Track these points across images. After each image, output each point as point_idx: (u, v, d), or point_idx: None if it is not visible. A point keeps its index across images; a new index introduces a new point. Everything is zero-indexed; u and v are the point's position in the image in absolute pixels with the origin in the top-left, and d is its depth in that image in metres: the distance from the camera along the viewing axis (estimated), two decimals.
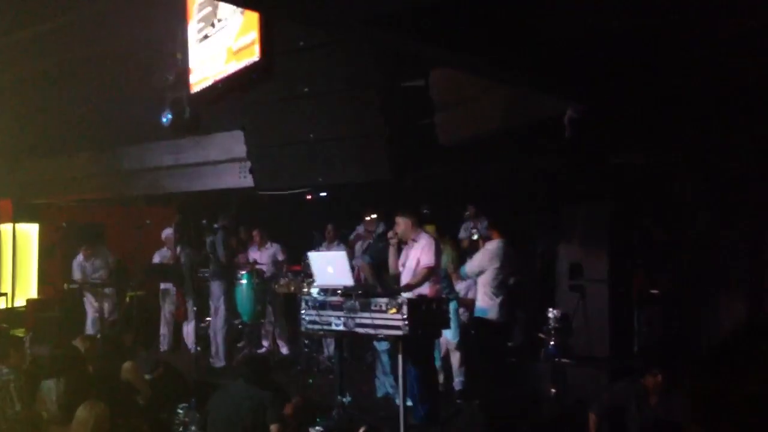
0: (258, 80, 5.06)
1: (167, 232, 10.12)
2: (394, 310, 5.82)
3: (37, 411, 4.86)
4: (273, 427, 4.80)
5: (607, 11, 3.99)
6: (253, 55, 4.64)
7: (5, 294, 11.39)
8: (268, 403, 5.00)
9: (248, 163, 8.06)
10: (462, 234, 8.23)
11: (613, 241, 6.48)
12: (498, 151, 6.77)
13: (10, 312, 11.14)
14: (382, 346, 7.07)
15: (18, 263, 11.92)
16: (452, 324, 7.15)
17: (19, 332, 9.89)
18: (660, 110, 5.32)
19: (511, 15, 3.94)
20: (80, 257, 10.07)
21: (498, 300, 6.77)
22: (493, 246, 6.87)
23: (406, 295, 6.29)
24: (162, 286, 10.11)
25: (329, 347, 8.77)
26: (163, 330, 10.09)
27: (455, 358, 7.32)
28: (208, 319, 10.17)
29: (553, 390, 6.14)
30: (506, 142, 6.55)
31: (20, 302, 11.62)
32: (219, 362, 8.64)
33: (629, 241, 6.55)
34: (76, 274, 10.02)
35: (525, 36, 4.36)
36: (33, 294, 11.77)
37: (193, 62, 5.70)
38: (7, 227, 11.93)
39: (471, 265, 6.92)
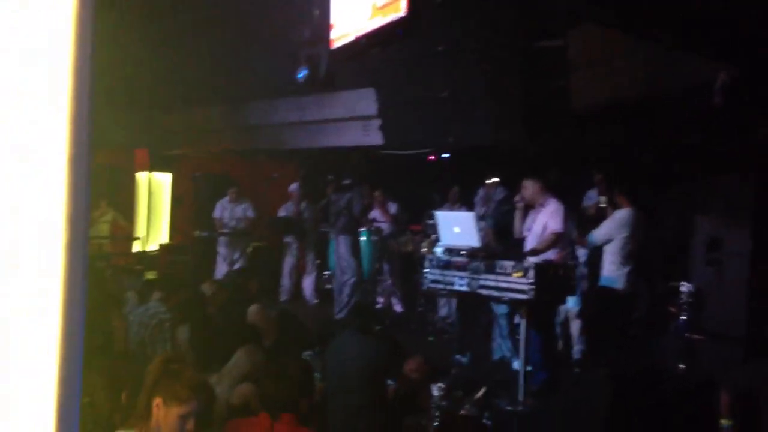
0: (403, 37, 5.04)
1: (294, 187, 10.41)
2: (519, 274, 5.78)
3: (180, 352, 5.14)
4: (392, 385, 4.76)
5: None
6: (399, 11, 4.63)
7: (140, 238, 12.09)
8: (386, 356, 4.93)
9: (373, 122, 8.11)
10: (586, 201, 8.03)
11: (757, 214, 6.13)
12: (637, 120, 6.51)
13: (144, 255, 11.83)
14: (500, 309, 7.05)
15: (152, 210, 12.61)
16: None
17: (151, 275, 10.51)
18: None
19: None
20: (226, 199, 10.52)
21: (625, 270, 6.59)
22: (622, 214, 6.68)
23: (532, 259, 6.24)
24: (286, 239, 10.44)
25: (444, 308, 8.84)
26: (284, 281, 10.45)
27: (575, 326, 7.21)
28: (326, 272, 10.46)
29: (681, 366, 5.95)
30: (646, 109, 6.29)
31: (153, 247, 12.31)
32: (342, 314, 8.78)
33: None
34: (217, 213, 10.47)
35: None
36: (164, 240, 12.44)
37: (334, 17, 5.74)
38: (143, 175, 12.61)
39: (599, 233, 6.76)
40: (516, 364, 6.89)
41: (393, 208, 9.95)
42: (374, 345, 4.92)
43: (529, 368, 6.03)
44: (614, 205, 6.73)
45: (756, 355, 5.43)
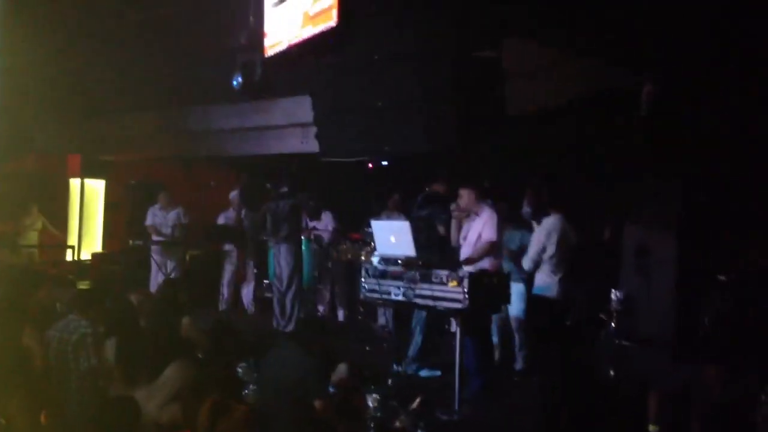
0: (334, 46, 5.04)
1: (234, 194, 10.26)
2: (454, 283, 5.81)
3: (108, 366, 4.97)
4: (317, 403, 4.67)
5: None
6: (330, 20, 4.62)
7: (72, 247, 11.75)
8: (312, 373, 4.85)
9: (310, 129, 8.07)
10: (525, 208, 8.12)
11: (683, 222, 6.30)
12: (567, 125, 6.63)
13: (77, 264, 11.51)
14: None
15: (85, 218, 12.27)
16: (520, 303, 7.13)
17: (84, 284, 10.22)
18: (742, 90, 5.13)
19: None
20: (157, 206, 10.29)
21: (557, 277, 6.68)
22: (549, 220, 6.75)
23: (467, 268, 6.28)
24: (225, 247, 10.28)
25: (383, 316, 8.84)
26: (223, 290, 10.29)
27: (519, 337, 7.28)
28: (266, 281, 10.35)
29: (612, 372, 6.05)
30: (576, 115, 6.41)
31: (85, 255, 11.98)
32: (290, 326, 8.66)
33: (701, 223, 6.35)
34: (149, 221, 10.24)
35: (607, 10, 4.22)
36: (98, 248, 12.12)
37: (268, 25, 5.70)
38: (76, 182, 12.27)
39: (531, 251, 6.78)
40: (423, 372, 6.98)
41: (326, 217, 9.90)
42: (306, 361, 4.86)
43: None
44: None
45: (683, 360, 5.57)
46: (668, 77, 5.26)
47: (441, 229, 7.09)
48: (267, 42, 5.69)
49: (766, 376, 4.38)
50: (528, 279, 7.03)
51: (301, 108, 8.65)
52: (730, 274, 6.66)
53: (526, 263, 6.77)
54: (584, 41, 4.67)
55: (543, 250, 6.69)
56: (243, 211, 10.12)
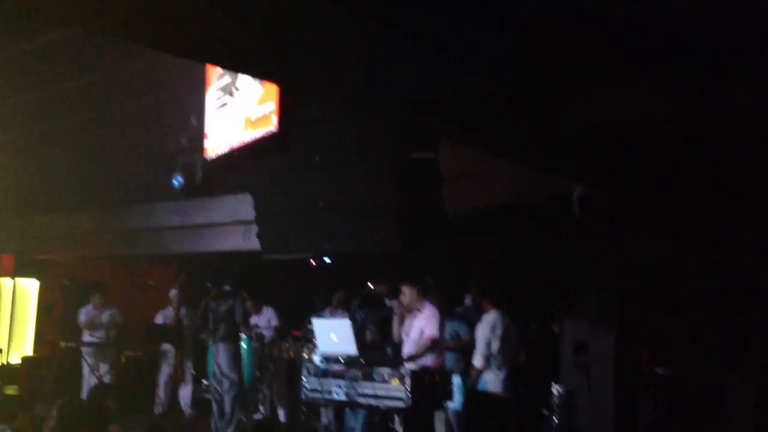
0: (273, 150, 5.15)
1: (174, 292, 10.05)
2: (396, 381, 5.78)
3: None
4: None
5: (625, 109, 4.09)
6: (271, 125, 4.73)
7: (0, 350, 11.26)
8: None
9: (252, 226, 8.08)
10: (467, 303, 8.19)
11: (620, 320, 6.47)
12: (505, 227, 6.82)
13: (4, 369, 10.98)
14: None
15: (16, 319, 11.81)
16: (459, 396, 7.07)
17: (11, 389, 9.73)
18: (670, 200, 5.39)
19: (527, 110, 4.03)
20: (90, 306, 9.95)
21: (502, 374, 6.69)
22: (488, 317, 6.80)
23: (409, 366, 6.26)
24: (163, 347, 9.99)
25: (326, 416, 8.63)
26: (160, 392, 9.92)
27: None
28: (205, 382, 10.04)
29: None
30: (514, 218, 6.60)
31: (14, 359, 11.47)
32: (230, 429, 8.35)
33: (636, 321, 6.53)
34: (83, 318, 9.88)
35: (543, 127, 4.44)
36: (28, 351, 11.62)
37: (209, 128, 5.81)
38: (8, 282, 11.87)
39: (479, 347, 6.77)
40: None
41: (268, 313, 9.78)
42: None
43: None
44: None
45: None
46: (600, 182, 5.50)
47: (368, 335, 7.09)
48: (208, 144, 5.78)
49: None
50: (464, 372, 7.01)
51: (243, 206, 8.68)
52: (668, 369, 6.82)
53: (477, 361, 6.69)
54: (516, 148, 4.88)
55: (489, 344, 6.71)
56: (183, 310, 9.91)
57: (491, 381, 6.72)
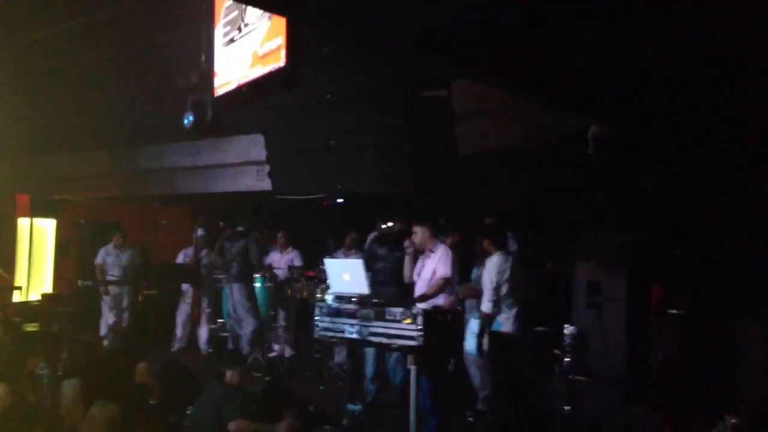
0: (282, 86, 5.06)
1: (200, 232, 10.09)
2: (408, 321, 5.79)
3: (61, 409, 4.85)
4: (232, 425, 4.74)
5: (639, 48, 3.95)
6: (279, 61, 4.63)
7: (20, 288, 11.44)
8: (226, 399, 4.97)
9: (265, 167, 8.05)
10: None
11: (632, 260, 6.41)
12: (518, 167, 6.73)
13: (24, 306, 11.19)
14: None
15: (34, 258, 11.97)
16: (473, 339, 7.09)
17: (32, 326, 9.93)
18: (685, 138, 5.27)
19: (540, 44, 3.90)
20: (110, 246, 10.06)
21: (512, 312, 6.68)
22: (493, 259, 6.74)
23: (421, 305, 6.27)
24: (183, 286, 10.10)
25: (339, 354, 8.76)
26: (178, 331, 10.08)
27: (478, 376, 7.22)
28: (220, 320, 10.19)
29: (567, 407, 6.08)
30: (527, 156, 6.51)
31: (34, 296, 11.67)
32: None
33: (649, 261, 6.48)
34: (99, 260, 10.00)
35: (555, 64, 4.32)
36: (48, 289, 11.81)
37: (218, 65, 5.71)
38: (25, 222, 11.99)
39: (486, 293, 6.73)
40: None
41: (292, 253, 9.86)
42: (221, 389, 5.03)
43: None
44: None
45: (635, 396, 5.62)
46: (615, 119, 5.38)
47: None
48: (217, 81, 5.69)
49: (714, 415, 4.44)
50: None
51: (256, 146, 8.64)
52: (680, 309, 6.80)
53: (486, 306, 6.66)
54: (531, 85, 4.76)
55: (497, 288, 6.68)
56: (204, 251, 9.99)
57: (503, 321, 6.72)
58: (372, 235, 9.07)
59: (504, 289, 6.62)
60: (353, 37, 4.32)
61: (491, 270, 6.63)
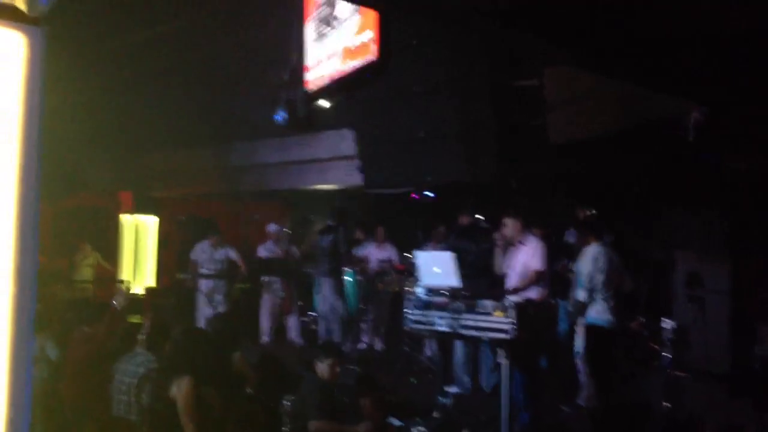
0: (372, 79, 5.10)
1: (273, 227, 10.34)
2: (500, 313, 5.74)
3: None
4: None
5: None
6: (370, 54, 4.67)
7: (124, 281, 11.99)
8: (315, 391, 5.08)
9: (354, 161, 8.14)
10: (568, 237, 8.02)
11: (735, 250, 6.13)
12: (611, 153, 6.55)
13: (131, 299, 11.71)
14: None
15: (138, 253, 12.55)
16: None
17: (135, 319, 10.38)
18: None
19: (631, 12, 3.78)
20: (206, 243, 10.39)
21: (608, 305, 6.53)
22: (591, 250, 6.61)
23: (513, 298, 6.20)
24: (267, 279, 10.33)
25: (429, 347, 8.76)
26: (267, 323, 10.31)
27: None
28: (311, 313, 10.39)
29: (666, 403, 5.88)
30: (620, 142, 6.33)
31: (138, 290, 12.21)
32: None
33: (755, 249, 6.17)
34: (194, 255, 10.31)
35: (648, 34, 4.18)
36: (150, 283, 12.34)
37: (309, 61, 5.80)
38: (129, 218, 12.56)
39: (580, 281, 6.61)
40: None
41: (389, 248, 9.94)
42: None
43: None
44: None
45: (739, 393, 5.38)
46: (715, 104, 5.16)
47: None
48: (309, 77, 5.79)
49: None
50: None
51: (345, 141, 8.75)
52: None
53: (581, 294, 6.58)
54: (625, 68, 4.63)
55: (592, 278, 6.55)
56: (288, 243, 10.21)
57: (598, 313, 6.58)
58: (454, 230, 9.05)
59: (599, 280, 6.48)
60: (445, 18, 4.30)
61: (587, 259, 6.51)
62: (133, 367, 5.03)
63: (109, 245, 12.13)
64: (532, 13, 3.61)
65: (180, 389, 4.51)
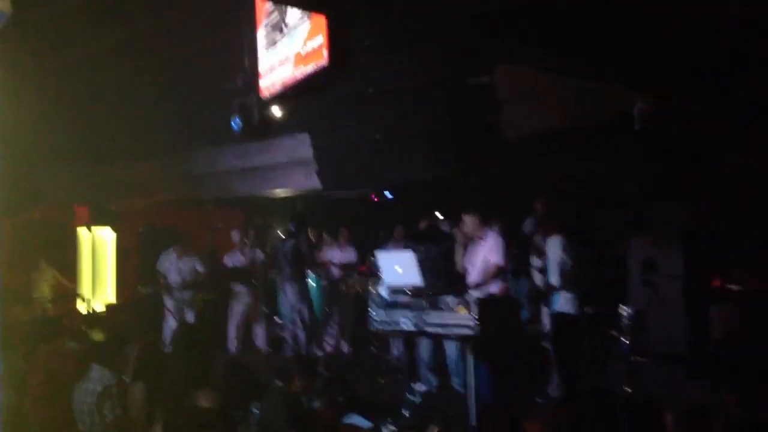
0: (326, 85, 5.14)
1: (237, 234, 10.30)
2: (463, 310, 5.81)
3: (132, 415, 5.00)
4: None
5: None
6: (321, 59, 4.70)
7: (84, 297, 11.80)
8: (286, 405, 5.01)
9: (312, 165, 8.16)
10: (525, 228, 8.16)
11: (688, 236, 6.32)
12: (565, 148, 6.69)
13: (90, 316, 11.53)
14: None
15: (96, 268, 12.36)
16: None
17: (98, 335, 10.23)
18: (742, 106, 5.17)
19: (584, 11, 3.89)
20: (171, 253, 10.30)
21: (570, 294, 6.68)
22: (557, 239, 6.77)
23: (474, 293, 6.29)
24: (235, 288, 10.28)
25: (396, 347, 8.83)
26: (234, 332, 10.25)
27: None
28: (278, 320, 10.38)
29: (627, 388, 6.01)
30: (573, 138, 6.46)
31: (98, 306, 12.02)
32: None
33: (707, 236, 6.37)
34: (161, 267, 10.21)
35: (599, 32, 4.29)
36: (110, 298, 12.17)
37: (262, 67, 5.80)
38: (85, 232, 12.38)
39: (554, 268, 6.74)
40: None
41: (351, 250, 9.97)
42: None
43: None
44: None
45: (696, 374, 5.54)
46: (662, 95, 5.31)
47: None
48: (262, 84, 5.79)
49: None
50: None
51: (303, 145, 8.75)
52: (743, 285, 6.65)
53: (554, 279, 6.73)
54: (575, 64, 4.74)
55: (564, 263, 6.69)
56: (255, 251, 10.18)
57: (562, 302, 6.72)
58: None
59: (567, 269, 6.63)
60: (393, 22, 4.35)
61: (556, 247, 6.66)
62: (91, 385, 4.97)
63: (67, 260, 11.93)
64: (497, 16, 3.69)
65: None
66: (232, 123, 6.73)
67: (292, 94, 5.32)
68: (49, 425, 5.45)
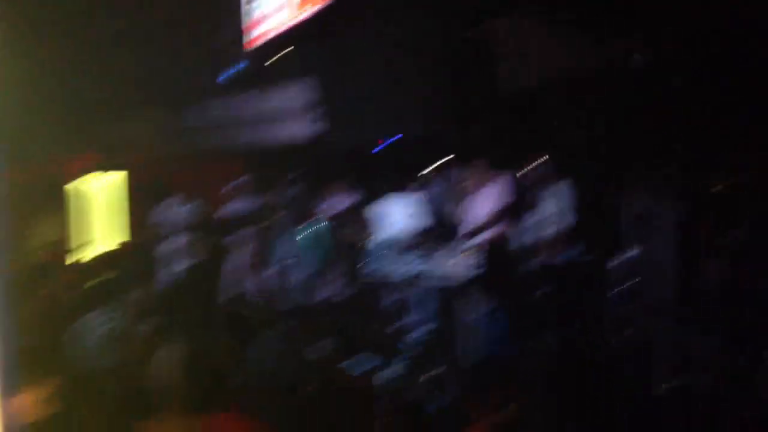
0: (322, 33, 5.16)
1: (235, 184, 10.37)
2: (465, 256, 5.94)
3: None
4: None
5: None
6: (316, 6, 4.71)
7: (82, 246, 11.93)
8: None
9: (312, 115, 8.18)
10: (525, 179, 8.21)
11: (679, 189, 6.42)
12: (562, 101, 6.74)
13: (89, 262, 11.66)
14: None
15: (92, 219, 12.48)
16: None
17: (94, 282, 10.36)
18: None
19: None
20: (168, 202, 10.37)
21: (568, 244, 6.78)
22: (558, 190, 6.86)
23: (476, 240, 6.42)
24: (233, 237, 10.34)
25: (397, 294, 8.95)
26: (233, 278, 10.33)
27: None
28: (277, 267, 10.46)
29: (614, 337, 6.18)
30: (570, 91, 6.51)
31: (95, 253, 12.12)
32: None
33: (698, 189, 6.47)
34: (158, 216, 10.34)
35: None
36: (109, 246, 12.27)
37: (256, 17, 5.79)
38: (82, 184, 12.45)
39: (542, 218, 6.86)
40: None
41: (352, 199, 10.03)
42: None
43: None
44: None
45: (686, 325, 5.70)
46: (658, 46, 5.35)
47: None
48: (255, 33, 5.78)
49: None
50: None
51: (301, 95, 8.78)
52: (732, 237, 6.76)
53: (553, 229, 6.84)
54: (571, 16, 4.77)
55: (562, 216, 6.80)
56: (256, 200, 10.26)
57: (561, 250, 6.83)
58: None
59: (570, 218, 6.72)
60: None
61: (556, 198, 6.76)
62: (95, 328, 5.11)
63: (63, 213, 12.03)
64: None
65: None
66: (222, 76, 6.76)
67: (287, 42, 5.31)
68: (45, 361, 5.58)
